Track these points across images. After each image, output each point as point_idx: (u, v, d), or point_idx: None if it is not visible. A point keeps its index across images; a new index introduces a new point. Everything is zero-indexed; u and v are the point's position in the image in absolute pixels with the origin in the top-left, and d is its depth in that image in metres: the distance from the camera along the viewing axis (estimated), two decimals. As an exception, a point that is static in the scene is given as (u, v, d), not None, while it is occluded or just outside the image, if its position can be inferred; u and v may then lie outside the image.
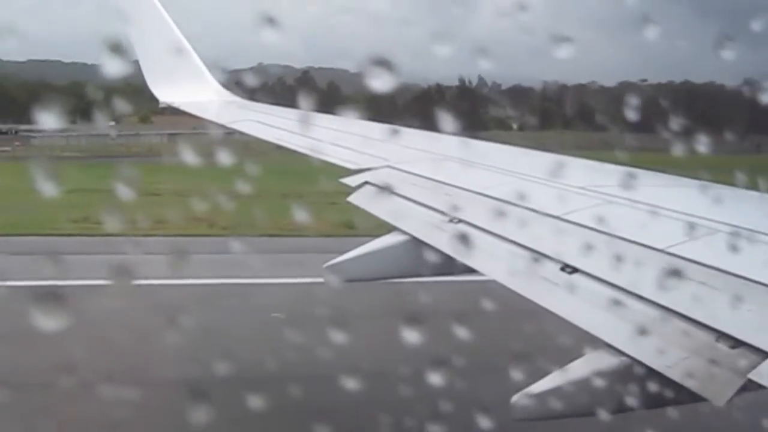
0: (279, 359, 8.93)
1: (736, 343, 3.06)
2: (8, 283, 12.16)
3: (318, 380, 7.42)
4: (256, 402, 5.58)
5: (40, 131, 42.03)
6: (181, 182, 18.81)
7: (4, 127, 48.23)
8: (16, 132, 48.13)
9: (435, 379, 4.40)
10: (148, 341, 10.26)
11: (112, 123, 44.26)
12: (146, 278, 11.02)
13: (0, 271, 14.26)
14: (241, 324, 12.55)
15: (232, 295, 14.84)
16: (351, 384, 5.18)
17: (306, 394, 7.72)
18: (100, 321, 9.91)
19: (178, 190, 19.53)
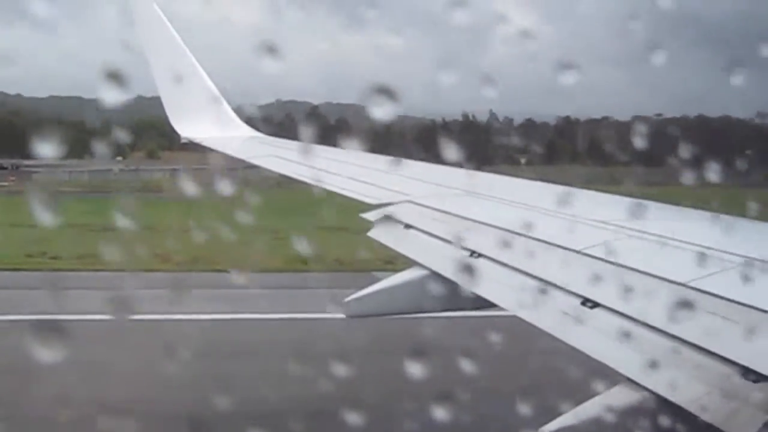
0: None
1: (759, 377, 3.07)
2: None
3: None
4: None
5: (43, 166, 42.33)
6: (167, 217, 18.57)
7: (5, 162, 48.36)
8: (16, 167, 48.34)
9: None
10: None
11: (119, 158, 44.49)
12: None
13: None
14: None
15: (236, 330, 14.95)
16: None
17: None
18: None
19: (157, 226, 19.40)
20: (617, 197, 6.79)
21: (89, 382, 10.62)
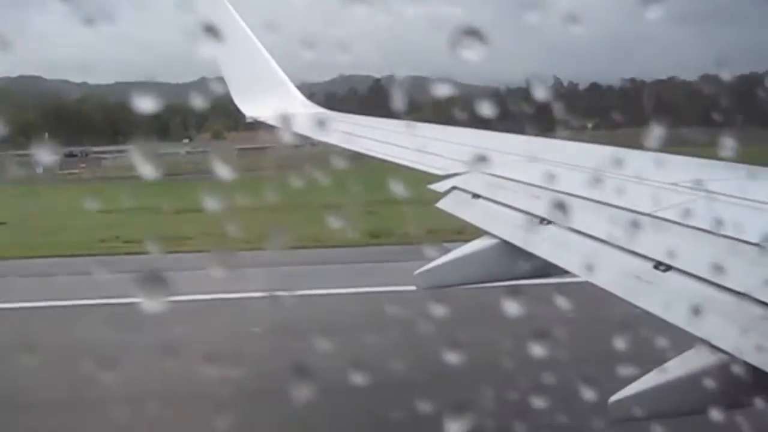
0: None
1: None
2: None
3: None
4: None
5: (112, 152, 43.07)
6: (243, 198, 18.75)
7: (76, 149, 49.19)
8: (86, 154, 49.26)
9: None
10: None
11: (186, 140, 45.04)
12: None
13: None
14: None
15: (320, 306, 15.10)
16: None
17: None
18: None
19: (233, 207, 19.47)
20: (685, 158, 6.67)
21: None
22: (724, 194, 4.93)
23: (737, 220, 4.24)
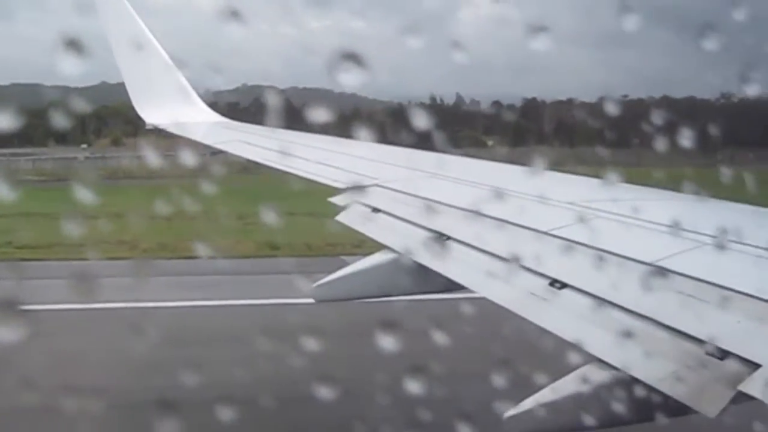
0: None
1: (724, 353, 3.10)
2: None
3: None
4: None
5: (7, 155, 41.73)
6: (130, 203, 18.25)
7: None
8: (-23, 156, 47.75)
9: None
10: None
11: (84, 146, 44.01)
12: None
13: None
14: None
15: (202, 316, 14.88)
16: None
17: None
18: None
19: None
20: (582, 178, 6.81)
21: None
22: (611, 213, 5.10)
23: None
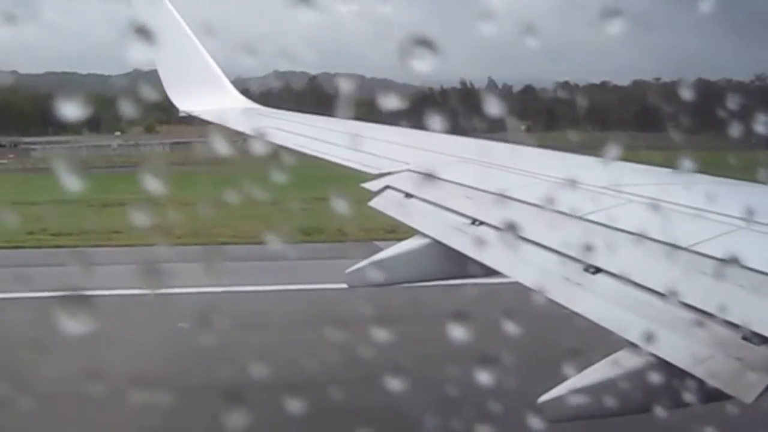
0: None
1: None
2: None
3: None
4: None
5: (42, 143, 42.25)
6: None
7: (4, 140, 48.21)
8: (15, 145, 48.26)
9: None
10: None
11: (118, 133, 44.38)
12: None
13: None
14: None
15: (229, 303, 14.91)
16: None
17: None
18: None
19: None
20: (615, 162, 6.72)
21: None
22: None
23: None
